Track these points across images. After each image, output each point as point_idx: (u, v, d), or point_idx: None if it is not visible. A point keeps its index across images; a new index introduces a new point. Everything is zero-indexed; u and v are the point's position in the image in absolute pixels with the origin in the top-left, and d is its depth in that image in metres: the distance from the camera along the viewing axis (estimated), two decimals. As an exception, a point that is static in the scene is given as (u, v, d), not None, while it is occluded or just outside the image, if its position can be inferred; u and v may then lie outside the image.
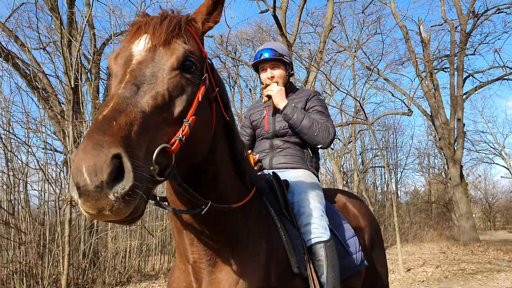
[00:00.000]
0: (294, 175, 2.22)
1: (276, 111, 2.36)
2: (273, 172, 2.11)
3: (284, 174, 2.20)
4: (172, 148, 1.11)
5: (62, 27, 7.02)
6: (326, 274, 1.81)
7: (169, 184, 1.44)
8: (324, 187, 3.86)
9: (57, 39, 10.04)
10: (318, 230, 1.88)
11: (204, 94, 1.27)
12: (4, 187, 7.90)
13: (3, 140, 7.46)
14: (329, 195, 2.39)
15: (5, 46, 8.43)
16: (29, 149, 7.75)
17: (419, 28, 16.48)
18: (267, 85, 2.37)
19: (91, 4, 8.62)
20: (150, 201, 1.18)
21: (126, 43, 1.28)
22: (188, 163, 1.30)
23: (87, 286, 8.42)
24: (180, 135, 1.14)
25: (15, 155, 7.75)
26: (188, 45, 1.27)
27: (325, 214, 1.98)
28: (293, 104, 2.25)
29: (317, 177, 2.36)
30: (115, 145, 0.93)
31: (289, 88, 2.52)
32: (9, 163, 7.65)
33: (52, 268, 7.55)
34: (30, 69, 8.61)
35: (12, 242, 7.40)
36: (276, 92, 2.30)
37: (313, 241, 1.86)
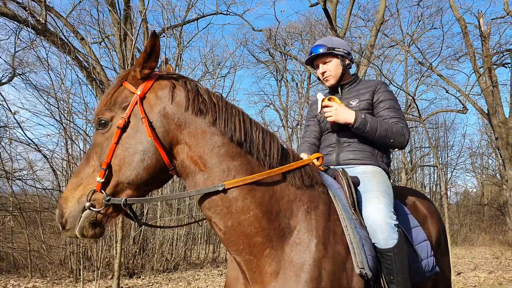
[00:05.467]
0: (362, 171, 2.14)
1: (339, 125, 2.22)
2: (342, 169, 2.04)
3: (352, 170, 2.13)
4: (96, 188, 1.57)
5: (120, 22, 7.30)
6: (395, 277, 1.76)
7: None
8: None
9: (110, 34, 10.50)
10: (383, 235, 1.80)
11: (122, 134, 1.61)
12: (64, 172, 8.42)
13: (65, 128, 7.92)
14: (398, 193, 2.27)
15: (66, 40, 8.92)
16: (87, 138, 8.19)
17: (479, 21, 15.53)
18: (324, 102, 2.21)
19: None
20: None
21: None
22: (141, 184, 1.62)
23: (136, 271, 8.81)
24: (98, 178, 1.57)
25: (74, 143, 8.23)
26: (105, 107, 1.66)
27: (392, 214, 1.88)
28: (362, 115, 2.11)
29: (388, 174, 2.24)
30: (58, 203, 1.63)
31: (353, 79, 2.45)
32: (69, 150, 8.13)
33: (105, 251, 7.96)
34: (89, 62, 9.06)
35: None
36: (336, 112, 2.12)
37: (380, 246, 1.80)
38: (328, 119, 2.19)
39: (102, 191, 1.57)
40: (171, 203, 10.10)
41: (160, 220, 9.77)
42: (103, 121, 1.64)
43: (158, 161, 1.60)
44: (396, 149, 2.23)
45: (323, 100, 2.22)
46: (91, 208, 1.56)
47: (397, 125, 2.16)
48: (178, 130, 1.63)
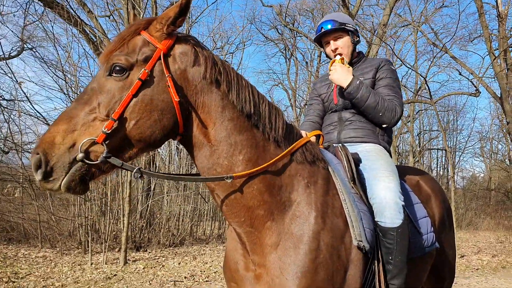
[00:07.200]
0: (364, 149, 2.14)
1: (340, 89, 2.26)
2: (342, 144, 2.05)
3: (353, 148, 2.14)
4: (97, 139, 1.41)
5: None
6: (394, 258, 1.79)
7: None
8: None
9: (117, 8, 10.35)
10: (391, 214, 1.81)
11: (142, 87, 1.48)
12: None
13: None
14: (401, 172, 2.28)
15: (74, 12, 8.82)
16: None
17: (496, 1, 15.03)
18: (332, 62, 2.28)
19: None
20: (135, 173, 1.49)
21: None
22: (150, 144, 1.53)
23: (143, 245, 8.96)
24: (102, 128, 1.41)
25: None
26: (122, 53, 1.51)
27: (400, 194, 1.88)
28: (357, 81, 2.14)
29: (389, 152, 2.25)
30: (37, 148, 1.40)
31: (358, 58, 2.43)
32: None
33: (112, 225, 8.09)
34: (97, 35, 8.98)
35: (78, 198, 7.99)
36: (336, 71, 2.18)
37: (385, 225, 1.81)
38: (329, 77, 2.26)
39: (104, 143, 1.42)
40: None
41: (167, 195, 9.86)
42: (118, 67, 1.48)
43: (174, 124, 1.54)
44: (385, 126, 2.22)
45: (333, 61, 2.27)
46: (84, 160, 1.40)
47: (392, 102, 2.17)
48: (194, 97, 1.57)
